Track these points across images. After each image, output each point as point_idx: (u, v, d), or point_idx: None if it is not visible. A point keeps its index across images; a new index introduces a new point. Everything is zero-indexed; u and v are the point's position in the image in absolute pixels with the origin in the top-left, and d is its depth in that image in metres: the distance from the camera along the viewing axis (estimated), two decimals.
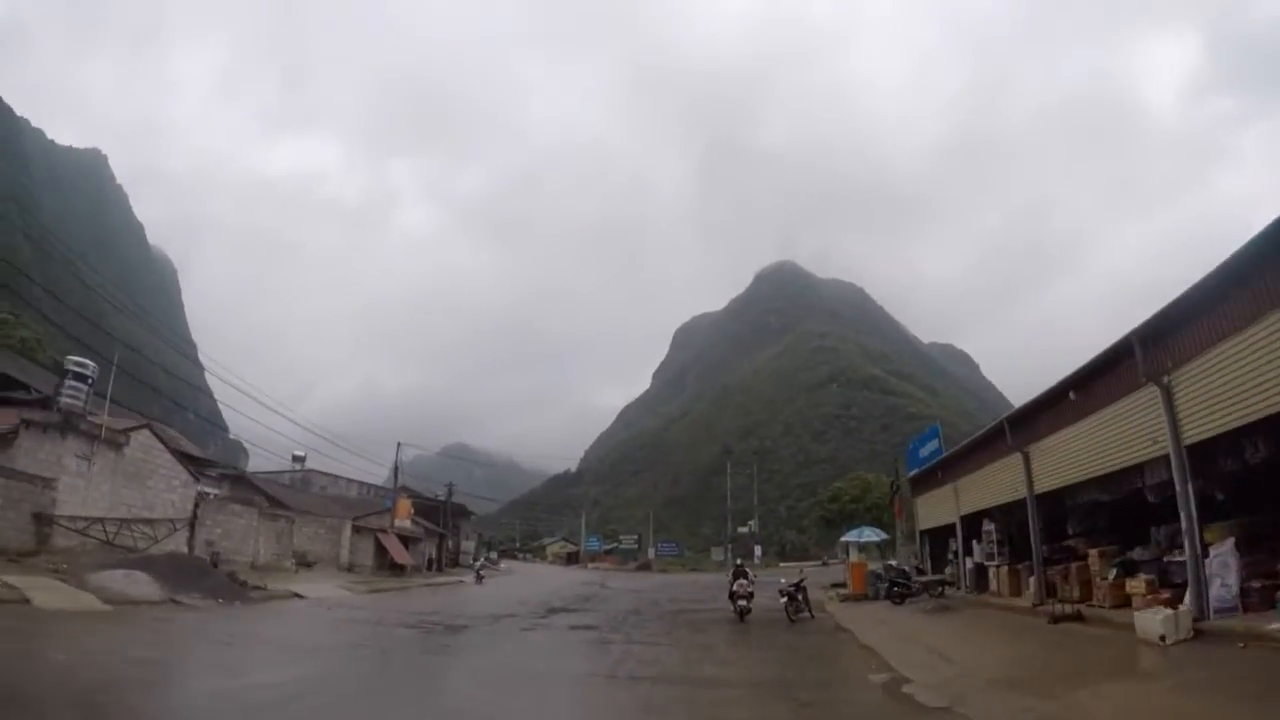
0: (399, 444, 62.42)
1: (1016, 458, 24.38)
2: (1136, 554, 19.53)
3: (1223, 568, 14.63)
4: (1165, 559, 17.87)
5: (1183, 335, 15.36)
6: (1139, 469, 17.57)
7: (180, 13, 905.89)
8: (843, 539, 39.15)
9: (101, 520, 32.07)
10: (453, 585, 52.64)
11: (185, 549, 36.04)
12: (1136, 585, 17.56)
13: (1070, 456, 21.08)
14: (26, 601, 19.69)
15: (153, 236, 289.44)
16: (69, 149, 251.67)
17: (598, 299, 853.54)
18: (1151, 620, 14.58)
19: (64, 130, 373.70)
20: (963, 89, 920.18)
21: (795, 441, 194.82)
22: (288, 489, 67.24)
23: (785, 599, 26.77)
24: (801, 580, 28.49)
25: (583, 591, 45.82)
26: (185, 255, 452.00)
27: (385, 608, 30.46)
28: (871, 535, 37.80)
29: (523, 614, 28.92)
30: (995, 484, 26.74)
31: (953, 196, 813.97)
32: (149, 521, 34.73)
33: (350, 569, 52.21)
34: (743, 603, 26.42)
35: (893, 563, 37.60)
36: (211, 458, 73.77)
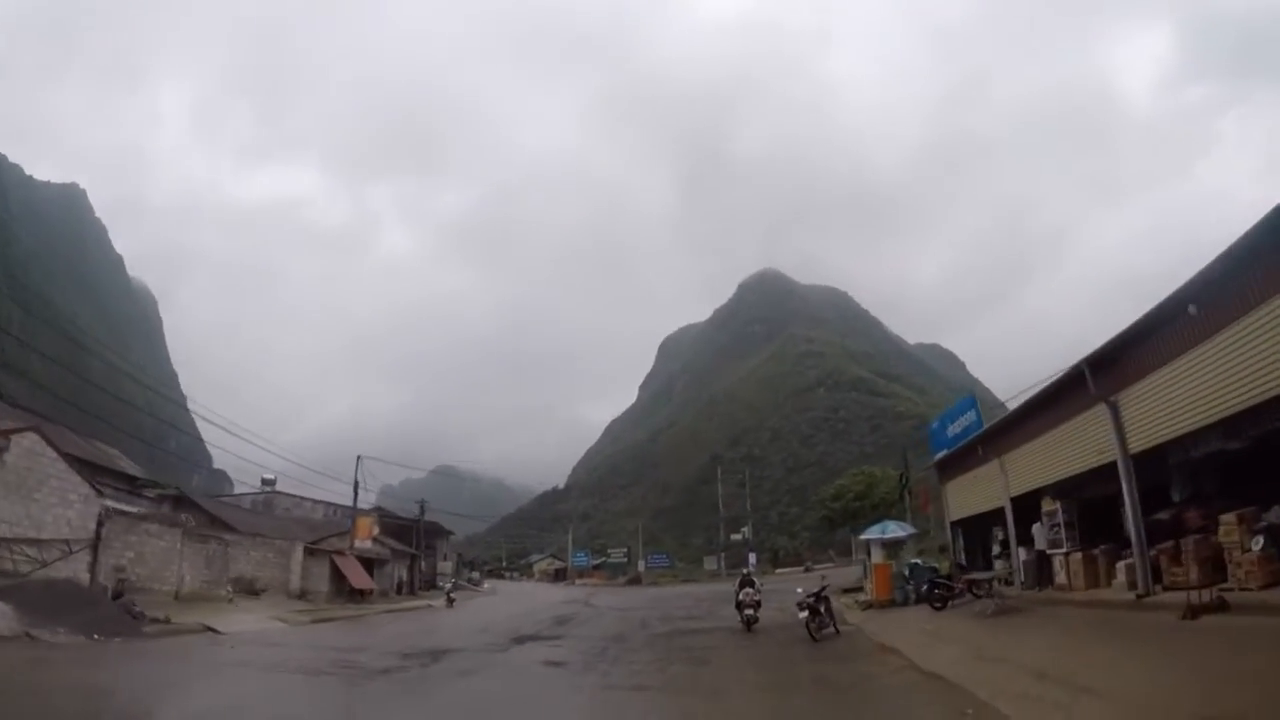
0: (359, 457, 56.22)
1: (1100, 411, 18.77)
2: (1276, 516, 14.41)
3: None
4: None
5: None
6: None
7: (156, 45, 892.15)
8: (862, 536, 33.21)
9: None
10: (418, 611, 46.68)
11: (86, 575, 29.98)
12: None
13: (1188, 396, 15.60)
14: None
15: (132, 268, 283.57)
16: (47, 184, 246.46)
17: (582, 314, 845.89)
18: None
19: (41, 165, 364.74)
20: (939, 90, 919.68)
21: (784, 447, 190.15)
22: (249, 513, 61.37)
23: (805, 612, 20.94)
24: (824, 589, 22.77)
25: (563, 612, 39.86)
26: (166, 286, 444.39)
27: (310, 644, 24.60)
28: (897, 530, 31.88)
29: (478, 646, 22.97)
30: (1067, 449, 21.03)
31: (933, 197, 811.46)
32: (35, 542, 28.52)
33: (303, 596, 46.00)
34: (749, 612, 25.15)
35: (917, 560, 31.82)
36: (181, 485, 68.16)
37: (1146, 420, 17.26)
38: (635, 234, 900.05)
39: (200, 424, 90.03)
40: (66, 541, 29.83)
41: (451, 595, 51.49)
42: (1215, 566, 15.50)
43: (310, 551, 48.72)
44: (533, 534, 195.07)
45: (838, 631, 21.90)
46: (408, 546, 67.61)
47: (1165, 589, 16.72)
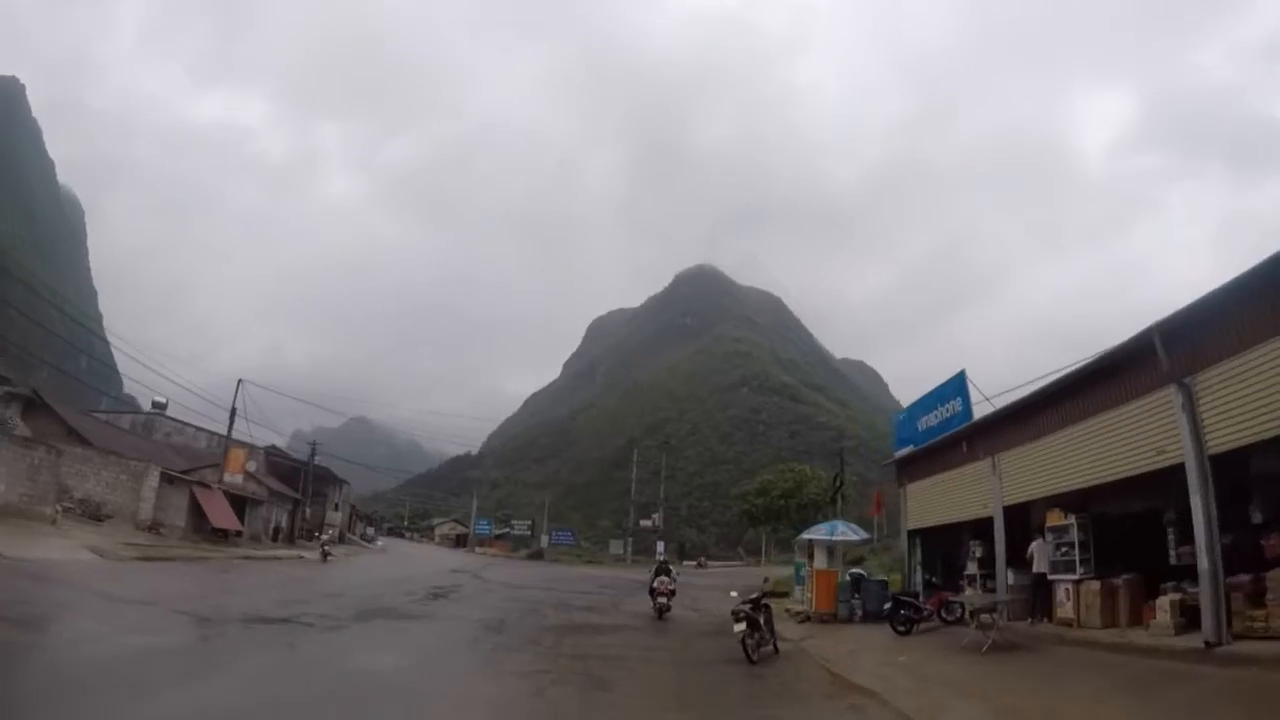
0: (239, 381, 49.57)
1: (1165, 397, 13.82)
2: None
3: None
4: None
5: None
6: None
7: None
8: (805, 536, 27.95)
9: None
10: (282, 563, 40.64)
11: None
12: None
13: None
14: None
15: (63, 175, 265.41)
16: None
17: (516, 285, 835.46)
18: None
19: None
20: (903, 115, 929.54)
21: (701, 441, 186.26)
22: (122, 432, 54.74)
23: (742, 624, 15.62)
24: (762, 596, 17.63)
25: (446, 583, 33.99)
26: (97, 198, 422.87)
27: (77, 585, 18.66)
28: (849, 532, 26.72)
29: (310, 617, 17.26)
30: (1103, 447, 16.00)
31: (880, 218, 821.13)
32: None
33: (154, 528, 39.68)
34: (663, 600, 24.53)
35: (861, 571, 26.94)
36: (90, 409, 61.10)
37: (1235, 411, 12.41)
38: (580, 211, 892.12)
39: (114, 347, 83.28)
40: None
41: (327, 549, 45.40)
42: None
43: (169, 479, 42.27)
44: (441, 497, 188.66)
45: (777, 650, 16.76)
46: (293, 490, 61.13)
47: (1237, 637, 12.01)
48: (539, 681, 12.04)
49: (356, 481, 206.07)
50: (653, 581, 25.40)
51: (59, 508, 32.75)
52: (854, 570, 26.56)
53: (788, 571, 69.93)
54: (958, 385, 23.66)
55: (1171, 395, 13.70)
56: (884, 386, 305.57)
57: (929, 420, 25.58)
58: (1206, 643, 12.38)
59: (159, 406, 60.85)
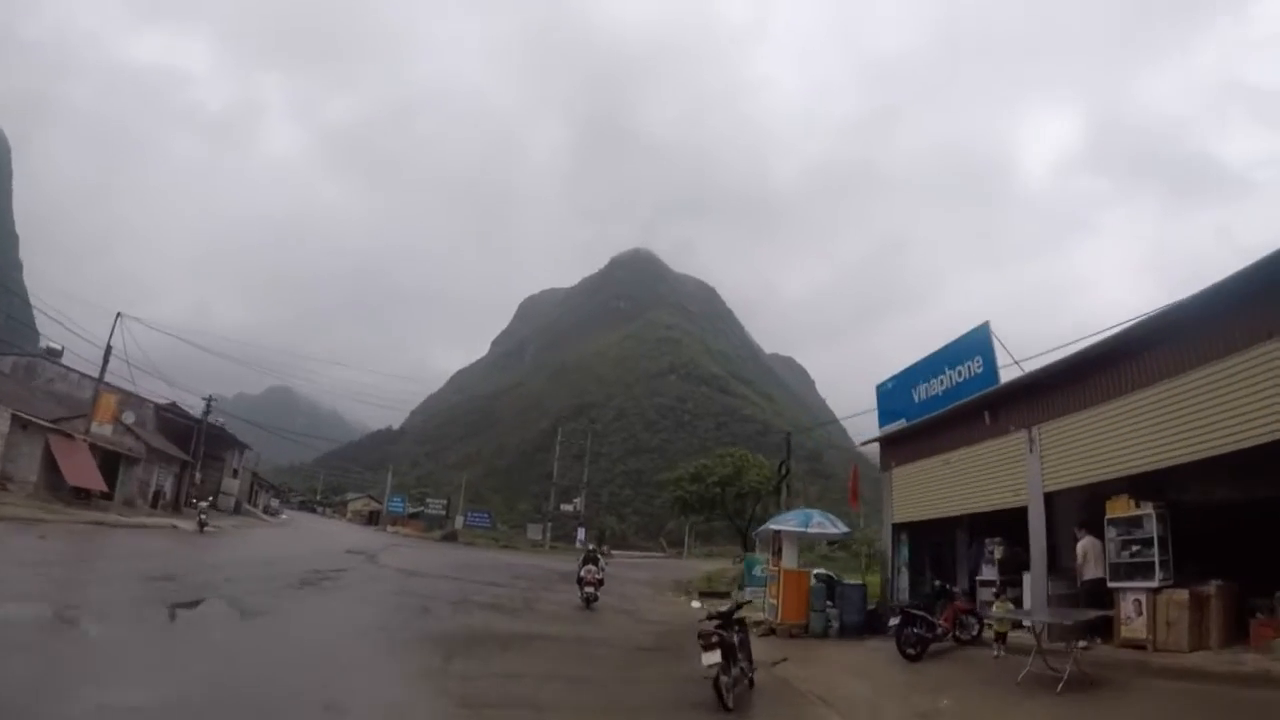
0: (118, 314, 42.82)
1: None
2: None
3: None
4: None
5: None
6: None
7: None
8: (771, 526, 22.62)
9: None
10: (145, 531, 34.78)
11: None
12: None
13: None
14: None
15: None
16: None
17: (449, 257, 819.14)
18: None
19: None
20: (853, 117, 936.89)
21: (626, 428, 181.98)
22: (5, 376, 48.28)
23: (716, 655, 10.49)
24: (736, 610, 12.67)
25: (331, 566, 28.55)
26: (24, 135, 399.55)
27: None
28: (826, 524, 21.64)
29: (105, 604, 12.24)
30: (1203, 411, 11.55)
31: (820, 217, 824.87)
32: None
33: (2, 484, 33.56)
34: (590, 589, 23.47)
35: (829, 573, 22.17)
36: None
37: None
38: (519, 185, 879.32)
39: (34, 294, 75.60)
40: None
41: (205, 519, 39.37)
42: None
43: (22, 424, 35.97)
44: (359, 472, 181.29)
45: (752, 684, 11.79)
46: (182, 452, 54.57)
47: None
48: None
49: (273, 451, 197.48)
50: (580, 570, 24.22)
51: None
52: (820, 571, 21.79)
53: (714, 565, 65.70)
54: (979, 342, 19.01)
55: None
56: (810, 384, 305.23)
57: (932, 388, 20.95)
58: None
59: (54, 353, 54.23)
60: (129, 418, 47.24)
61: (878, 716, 10.39)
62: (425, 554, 46.69)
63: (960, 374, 19.72)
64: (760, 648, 16.30)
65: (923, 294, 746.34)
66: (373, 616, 16.64)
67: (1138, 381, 13.13)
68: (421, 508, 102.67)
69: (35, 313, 75.07)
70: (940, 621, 15.71)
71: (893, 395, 23.43)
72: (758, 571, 26.37)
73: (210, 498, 44.25)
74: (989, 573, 17.87)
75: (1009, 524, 16.76)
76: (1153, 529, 12.63)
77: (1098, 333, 14.46)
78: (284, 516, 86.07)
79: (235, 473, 67.19)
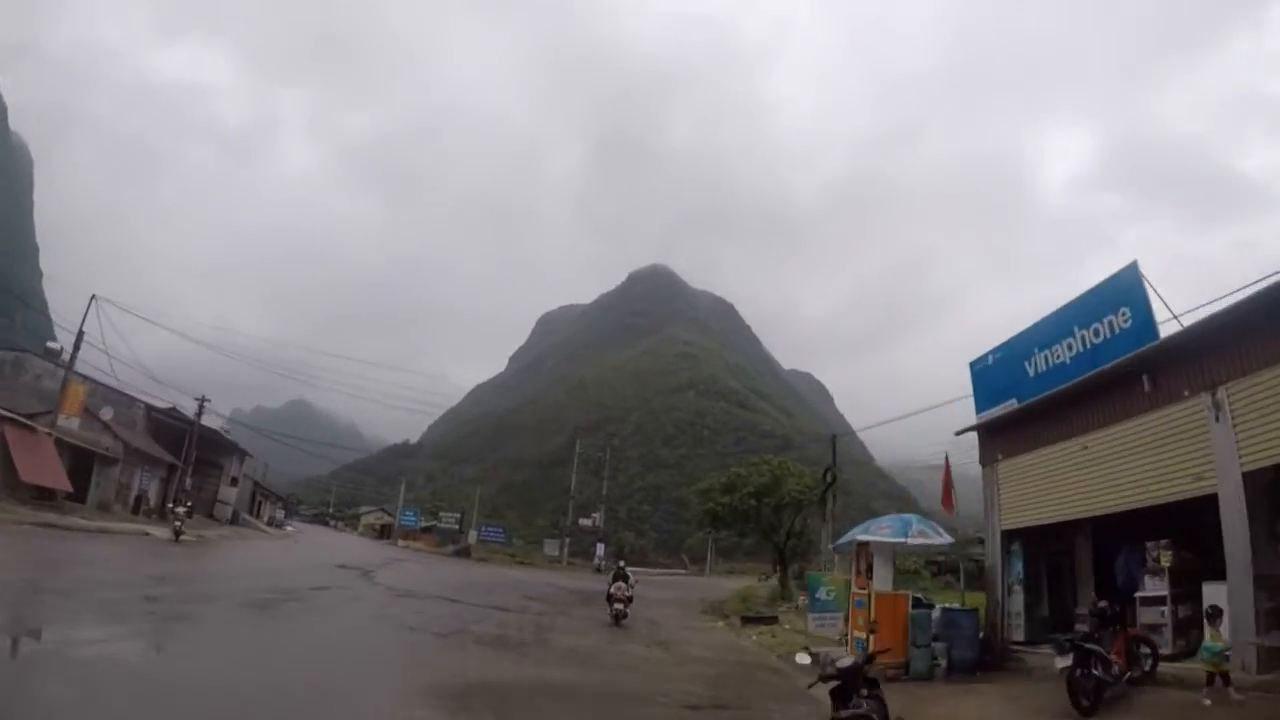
0: (93, 297, 38.42)
1: None
2: None
3: None
4: None
5: None
6: None
7: None
8: (859, 536, 17.34)
9: None
10: (109, 538, 30.19)
11: None
12: None
13: None
14: None
15: (15, 122, 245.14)
16: None
17: (468, 273, 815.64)
18: None
19: None
20: (871, 133, 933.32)
21: (644, 443, 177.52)
22: None
23: None
24: (870, 660, 8.72)
25: (310, 584, 23.94)
26: (48, 148, 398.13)
27: None
28: (929, 533, 16.52)
29: None
30: None
31: (838, 234, 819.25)
32: None
33: None
34: (619, 606, 22.84)
35: (920, 596, 17.21)
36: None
37: None
38: (538, 201, 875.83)
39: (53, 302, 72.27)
40: None
41: (180, 526, 34.78)
42: None
43: None
44: (375, 485, 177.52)
45: None
46: (168, 456, 50.00)
47: None
48: None
49: (290, 464, 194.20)
50: (610, 588, 23.80)
51: None
52: (916, 596, 16.83)
53: (740, 583, 60.46)
54: (1126, 288, 14.10)
55: None
56: (829, 399, 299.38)
57: (1055, 355, 16.00)
58: None
59: (51, 353, 50.15)
60: (107, 414, 42.92)
61: None
62: (430, 570, 41.93)
63: (1098, 333, 14.80)
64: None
65: (941, 309, 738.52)
66: (319, 657, 11.88)
67: None
68: (434, 522, 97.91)
69: (55, 327, 71.86)
70: (1113, 657, 10.92)
71: (995, 372, 18.40)
72: (822, 594, 21.42)
73: (189, 503, 39.65)
74: (1154, 586, 13.02)
75: (1151, 522, 11.99)
76: None
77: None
78: (290, 529, 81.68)
79: (234, 481, 62.60)
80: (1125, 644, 11.61)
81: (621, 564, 26.84)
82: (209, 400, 52.55)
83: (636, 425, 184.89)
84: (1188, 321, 12.85)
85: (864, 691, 7.88)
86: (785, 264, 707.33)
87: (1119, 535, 14.78)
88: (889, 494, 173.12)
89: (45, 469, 34.63)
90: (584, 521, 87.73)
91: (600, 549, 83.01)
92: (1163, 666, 11.89)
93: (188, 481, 50.47)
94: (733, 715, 11.68)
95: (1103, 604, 12.37)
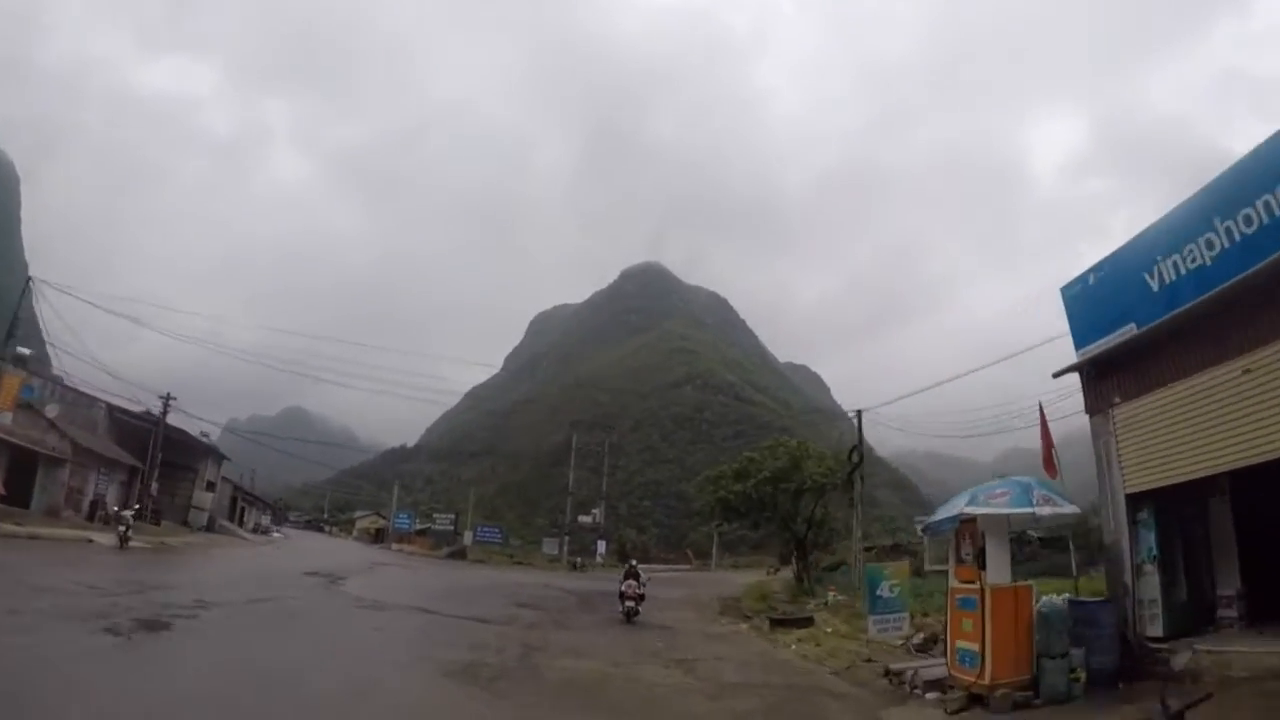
0: (29, 279, 33.90)
1: None
2: None
3: None
4: None
5: None
6: None
7: None
8: (954, 508, 12.51)
9: None
10: (40, 545, 25.69)
11: None
12: None
13: None
14: None
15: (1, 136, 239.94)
16: None
17: (460, 275, 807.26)
18: None
19: None
20: (860, 125, 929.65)
21: (644, 439, 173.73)
22: None
23: None
24: None
25: (260, 594, 19.80)
26: (35, 162, 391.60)
27: None
28: (1055, 499, 11.70)
29: None
30: None
31: (830, 224, 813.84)
32: None
33: None
34: (630, 603, 22.71)
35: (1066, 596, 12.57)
36: None
37: None
38: (527, 203, 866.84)
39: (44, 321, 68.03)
40: None
41: (126, 533, 30.42)
42: None
43: None
44: (372, 490, 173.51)
45: None
46: (130, 457, 45.43)
47: None
48: None
49: (287, 472, 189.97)
50: (622, 585, 23.57)
51: None
52: (1051, 598, 12.25)
53: (748, 578, 55.97)
54: None
55: None
56: (826, 391, 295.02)
57: (1191, 258, 11.44)
58: None
59: (19, 360, 45.48)
60: (52, 411, 38.36)
61: None
62: (413, 575, 37.47)
63: (1251, 220, 10.31)
64: None
65: (935, 297, 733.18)
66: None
67: None
68: (429, 524, 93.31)
69: (46, 345, 67.18)
70: None
71: (1099, 294, 13.70)
72: (885, 590, 16.82)
73: (137, 506, 35.22)
74: None
75: None
76: None
77: None
78: (278, 535, 77.22)
79: (210, 485, 57.88)
80: None
81: (633, 563, 26.36)
82: (175, 399, 47.88)
83: (635, 421, 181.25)
84: None
85: None
86: (778, 257, 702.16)
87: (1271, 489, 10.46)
88: (891, 483, 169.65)
89: None
90: (583, 518, 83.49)
91: (601, 545, 78.93)
92: None
93: (153, 486, 45.88)
94: None
95: None
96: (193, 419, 55.56)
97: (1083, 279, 14.65)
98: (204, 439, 59.05)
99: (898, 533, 52.94)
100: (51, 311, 37.19)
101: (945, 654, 11.96)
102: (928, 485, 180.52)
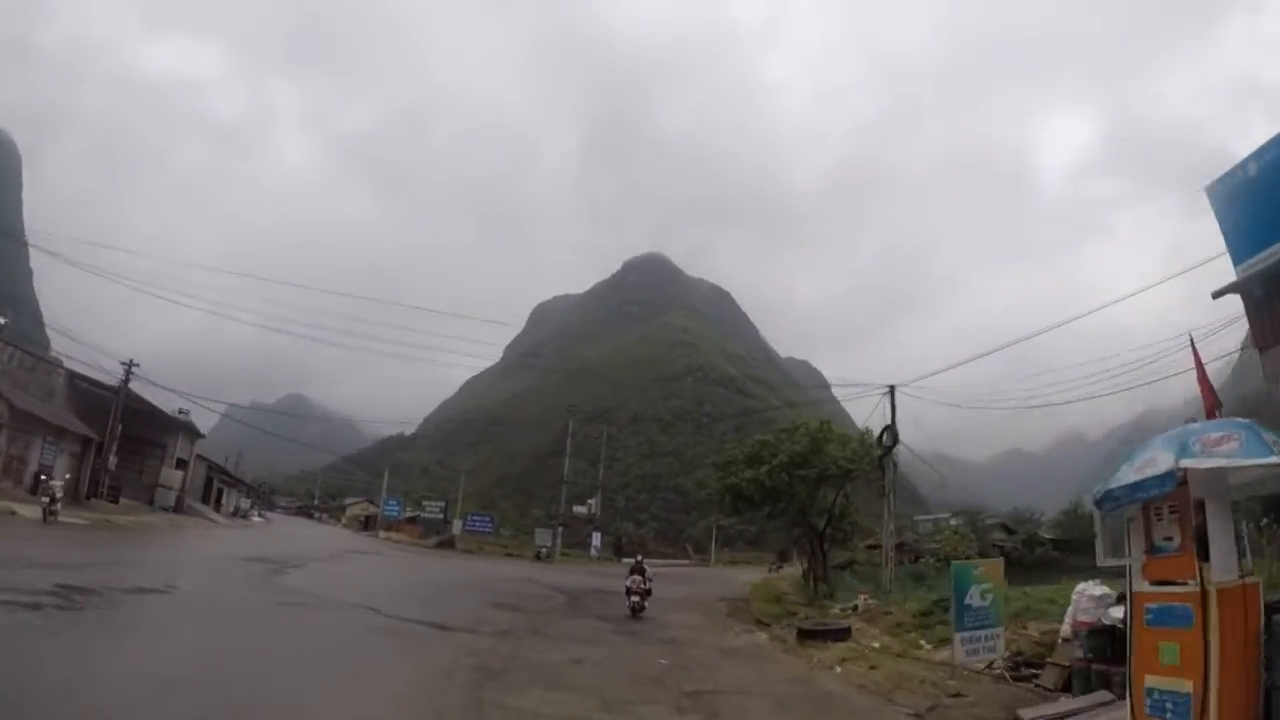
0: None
1: None
2: None
3: None
4: None
5: None
6: None
7: None
8: (1143, 470, 8.13)
9: None
10: None
11: None
12: None
13: None
14: None
15: (1, 118, 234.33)
16: None
17: (461, 263, 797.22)
18: None
19: None
20: (868, 121, 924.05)
21: (642, 431, 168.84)
22: None
23: None
24: None
25: (125, 585, 14.79)
26: (37, 143, 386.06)
27: None
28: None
29: None
30: None
31: (835, 222, 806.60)
32: None
33: None
34: (636, 599, 22.39)
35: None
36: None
37: None
38: (532, 192, 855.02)
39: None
40: None
41: (52, 506, 26.28)
42: None
43: None
44: (367, 478, 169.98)
45: None
46: (86, 429, 40.96)
47: None
48: None
49: (284, 459, 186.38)
50: (627, 580, 23.05)
51: None
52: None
53: (751, 575, 51.57)
54: None
55: None
56: (826, 387, 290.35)
57: None
58: None
59: None
60: None
61: None
62: (384, 565, 33.04)
63: None
64: None
65: (939, 297, 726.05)
66: None
67: None
68: (419, 512, 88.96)
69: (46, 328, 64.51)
70: None
71: (1268, 184, 9.58)
72: (976, 598, 12.12)
73: (67, 476, 31.01)
74: None
75: None
76: None
77: None
78: (258, 519, 72.84)
79: (181, 463, 53.32)
80: None
81: (639, 558, 25.38)
82: (137, 366, 43.41)
83: (634, 414, 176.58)
84: None
85: None
86: (782, 252, 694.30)
87: None
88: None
89: None
90: (579, 509, 79.30)
91: (596, 538, 75.09)
92: None
93: (110, 460, 41.48)
94: None
95: None
96: (171, 394, 51.28)
97: (1239, 170, 10.31)
98: (182, 415, 54.77)
99: (904, 531, 48.49)
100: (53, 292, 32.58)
101: (1127, 697, 7.45)
102: (926, 485, 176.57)
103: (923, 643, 17.01)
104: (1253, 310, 10.63)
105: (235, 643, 11.05)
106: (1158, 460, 7.02)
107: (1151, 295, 19.33)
